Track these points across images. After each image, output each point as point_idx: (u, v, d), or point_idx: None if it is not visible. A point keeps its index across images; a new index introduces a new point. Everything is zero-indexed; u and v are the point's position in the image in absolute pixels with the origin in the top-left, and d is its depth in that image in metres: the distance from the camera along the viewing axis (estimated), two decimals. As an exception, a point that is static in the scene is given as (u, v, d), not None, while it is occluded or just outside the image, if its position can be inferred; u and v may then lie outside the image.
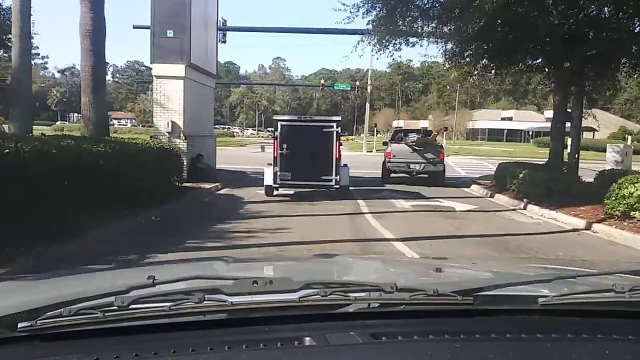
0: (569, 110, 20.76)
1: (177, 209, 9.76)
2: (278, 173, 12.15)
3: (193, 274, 1.35)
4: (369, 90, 44.40)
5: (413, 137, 18.49)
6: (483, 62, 16.36)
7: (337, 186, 12.20)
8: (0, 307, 1.17)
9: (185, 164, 13.96)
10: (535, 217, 10.60)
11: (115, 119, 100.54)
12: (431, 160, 16.38)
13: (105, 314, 1.03)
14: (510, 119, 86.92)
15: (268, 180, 12.38)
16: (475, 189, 15.73)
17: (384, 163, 16.89)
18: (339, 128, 12.22)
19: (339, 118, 12.75)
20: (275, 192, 12.59)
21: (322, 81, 46.08)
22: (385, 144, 18.36)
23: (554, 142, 13.81)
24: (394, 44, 14.45)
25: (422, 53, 14.89)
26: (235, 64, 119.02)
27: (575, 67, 13.34)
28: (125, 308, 1.04)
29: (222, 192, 13.36)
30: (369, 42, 14.32)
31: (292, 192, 13.12)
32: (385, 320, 1.16)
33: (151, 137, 14.08)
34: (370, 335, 1.07)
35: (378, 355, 1.03)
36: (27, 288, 1.71)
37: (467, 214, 10.72)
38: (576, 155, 14.77)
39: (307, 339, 1.05)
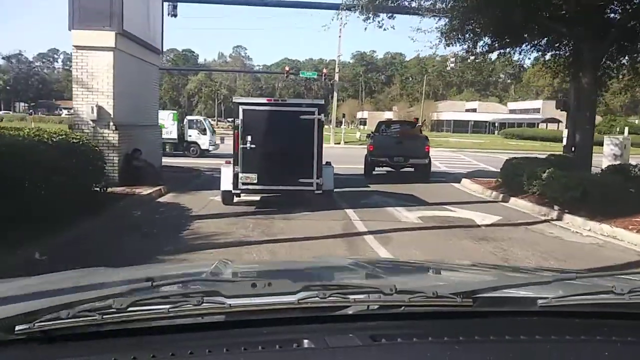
0: (565, 98, 18.51)
1: (87, 234, 6.52)
2: (240, 175, 9.11)
3: (192, 277, 1.36)
4: (336, 78, 41.44)
5: (396, 128, 16.85)
6: (485, 39, 13.74)
7: (319, 191, 9.27)
8: None
9: (116, 162, 10.71)
10: (585, 234, 7.96)
11: (65, 108, 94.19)
12: (416, 153, 14.83)
13: (104, 316, 1.01)
14: (474, 110, 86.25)
15: (226, 184, 9.33)
16: (476, 189, 13.11)
17: (365, 157, 15.31)
18: (322, 115, 9.25)
19: (322, 102, 9.74)
20: (236, 199, 9.56)
21: (287, 68, 42.81)
22: (369, 136, 16.49)
23: (581, 134, 11.25)
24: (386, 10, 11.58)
25: (415, 27, 12.93)
26: (194, 52, 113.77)
27: (607, 43, 10.82)
28: (123, 310, 1.02)
29: (164, 199, 10.15)
30: (355, 8, 11.38)
31: (258, 197, 10.13)
32: (384, 322, 1.15)
33: (70, 127, 10.76)
34: (369, 337, 1.05)
35: (377, 357, 1.02)
36: (24, 290, 1.60)
37: (495, 230, 7.99)
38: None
39: (306, 341, 1.03)
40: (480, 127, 79.13)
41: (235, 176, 9.14)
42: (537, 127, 63.66)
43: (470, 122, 79.74)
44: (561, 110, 18.77)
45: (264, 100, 9.90)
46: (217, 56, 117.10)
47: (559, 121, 64.94)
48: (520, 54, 14.25)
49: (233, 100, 9.34)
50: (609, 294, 1.18)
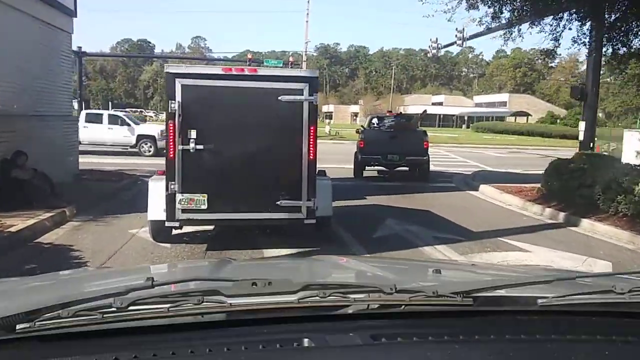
0: (582, 85, 15.39)
1: None
2: (178, 196, 5.33)
3: (192, 276, 1.33)
4: (304, 67, 37.72)
5: (390, 121, 14.13)
6: (516, 2, 10.35)
7: (312, 220, 5.58)
8: None
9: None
10: None
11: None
12: (413, 150, 12.87)
13: (104, 315, 1.01)
14: (440, 103, 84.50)
15: (156, 210, 5.57)
16: (513, 203, 9.69)
17: (355, 155, 13.27)
18: (316, 95, 5.51)
19: (315, 73, 5.90)
20: (176, 231, 5.80)
21: (250, 56, 38.63)
22: (358, 131, 14.13)
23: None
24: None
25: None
26: (150, 42, 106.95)
27: None
28: (124, 309, 1.01)
29: (52, 236, 6.09)
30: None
31: (211, 226, 6.38)
32: (384, 321, 1.13)
33: None
34: (369, 337, 1.04)
35: (377, 356, 1.01)
36: (25, 289, 1.60)
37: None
38: None
39: (306, 340, 1.01)
40: (447, 121, 77.22)
41: (171, 198, 5.34)
42: (505, 120, 62.14)
43: (440, 116, 77.63)
44: (577, 99, 15.83)
45: (217, 69, 5.82)
46: (175, 47, 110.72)
47: (528, 114, 63.65)
48: (556, 25, 10.85)
49: (165, 70, 5.47)
50: (610, 294, 1.17)
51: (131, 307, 1.01)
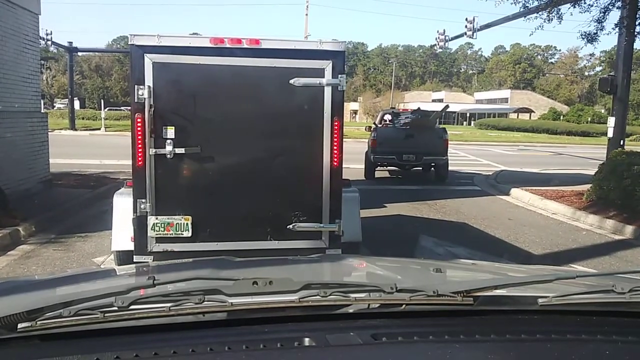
0: (612, 76, 13.94)
1: None
2: (151, 219, 3.82)
3: (193, 275, 1.31)
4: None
5: (406, 118, 12.94)
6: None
7: (337, 249, 4.07)
8: (0, 307, 1.11)
9: None
10: None
11: None
12: (432, 149, 11.75)
13: (105, 314, 1.00)
14: (440, 100, 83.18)
15: (121, 238, 4.12)
16: (559, 211, 8.25)
17: (366, 154, 12.27)
18: (342, 78, 3.99)
19: (342, 47, 4.27)
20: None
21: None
22: (369, 128, 13.23)
23: None
24: None
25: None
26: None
27: None
28: (125, 308, 1.01)
29: None
30: None
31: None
32: (385, 320, 1.12)
33: None
34: (370, 336, 1.03)
35: (378, 355, 1.00)
36: (27, 288, 1.60)
37: None
38: None
39: (307, 339, 1.00)
40: (448, 118, 75.95)
41: (141, 222, 3.84)
42: (507, 117, 60.94)
43: (442, 113, 76.48)
44: (606, 92, 14.35)
45: (204, 41, 3.94)
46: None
47: (531, 111, 62.25)
48: (607, 1, 9.36)
49: (130, 42, 3.93)
50: (610, 293, 1.16)
51: (132, 306, 1.00)
